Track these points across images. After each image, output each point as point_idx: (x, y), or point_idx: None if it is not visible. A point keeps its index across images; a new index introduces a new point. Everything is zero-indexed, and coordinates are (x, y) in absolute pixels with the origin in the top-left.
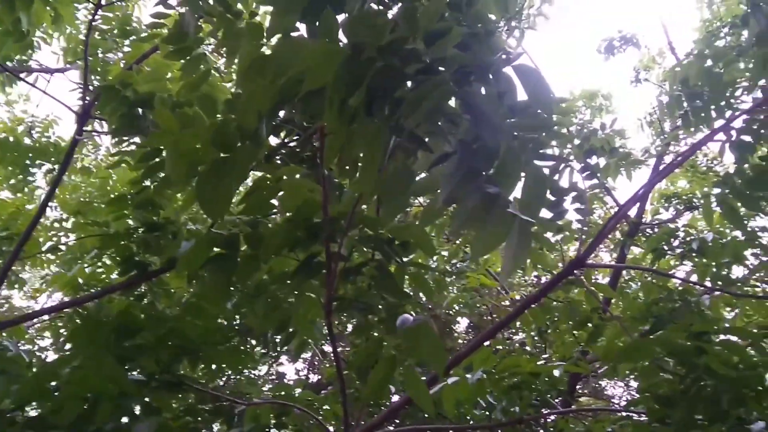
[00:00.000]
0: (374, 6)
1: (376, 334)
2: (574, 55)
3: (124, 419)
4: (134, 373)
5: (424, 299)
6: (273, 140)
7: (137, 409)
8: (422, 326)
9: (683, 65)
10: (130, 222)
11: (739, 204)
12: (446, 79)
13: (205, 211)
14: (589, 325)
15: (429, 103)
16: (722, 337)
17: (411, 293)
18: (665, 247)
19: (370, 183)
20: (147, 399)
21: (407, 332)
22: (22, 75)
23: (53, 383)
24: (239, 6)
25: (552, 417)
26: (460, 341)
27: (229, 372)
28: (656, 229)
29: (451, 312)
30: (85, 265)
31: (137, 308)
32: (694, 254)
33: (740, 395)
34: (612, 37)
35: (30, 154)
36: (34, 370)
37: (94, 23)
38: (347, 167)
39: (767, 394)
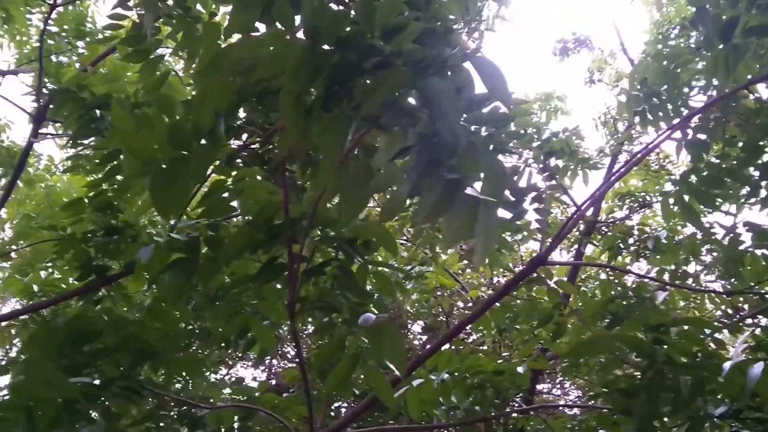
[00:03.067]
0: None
1: (335, 334)
2: (528, 57)
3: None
4: (91, 378)
5: (387, 301)
6: (236, 143)
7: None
8: (384, 325)
9: (642, 66)
10: (88, 226)
11: (694, 201)
12: (402, 71)
13: (159, 211)
14: (552, 323)
15: (384, 91)
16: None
17: (374, 293)
18: (621, 246)
19: (330, 174)
20: (106, 404)
21: (369, 331)
22: None
23: None
24: (198, 8)
25: (514, 415)
26: (416, 342)
27: (188, 377)
28: (611, 228)
29: (410, 313)
30: (41, 270)
31: (94, 312)
32: (647, 252)
33: (700, 384)
34: (566, 39)
35: None
36: None
37: (48, 23)
38: (306, 166)
39: (726, 383)
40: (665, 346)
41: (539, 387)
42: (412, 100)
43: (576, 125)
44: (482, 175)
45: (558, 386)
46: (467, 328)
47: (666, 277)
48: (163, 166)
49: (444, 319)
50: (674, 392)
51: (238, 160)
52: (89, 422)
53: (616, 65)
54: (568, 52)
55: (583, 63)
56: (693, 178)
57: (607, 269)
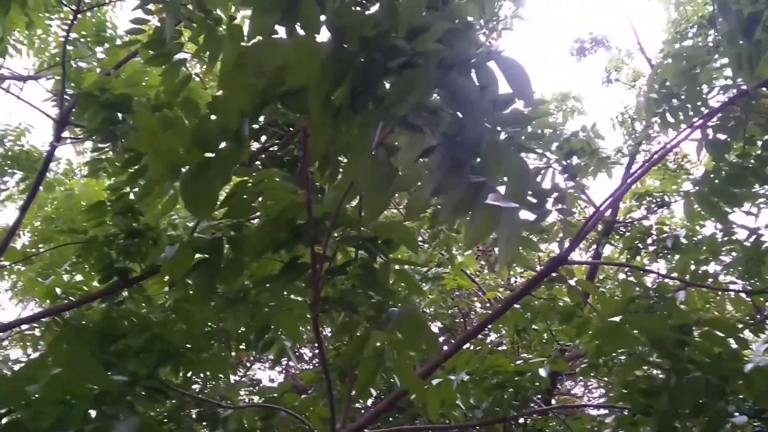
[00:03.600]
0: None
1: (359, 333)
2: (544, 58)
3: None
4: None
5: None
6: (253, 145)
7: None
8: (413, 316)
9: (660, 67)
10: (110, 229)
11: (717, 200)
12: (428, 72)
13: (191, 211)
14: (577, 318)
15: (414, 95)
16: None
17: (396, 291)
18: (639, 246)
19: (361, 172)
20: (131, 402)
21: (400, 324)
22: None
23: (30, 387)
24: (219, 11)
25: (531, 416)
26: None
27: (206, 377)
28: (629, 228)
29: (428, 314)
30: (63, 274)
31: (119, 314)
32: (667, 251)
33: (722, 387)
34: (582, 39)
35: (2, 163)
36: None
37: (71, 31)
38: (329, 168)
39: (749, 386)
40: (687, 347)
41: (561, 386)
42: (436, 99)
43: (594, 124)
44: (506, 176)
45: (581, 384)
46: (484, 328)
47: (687, 277)
48: (189, 168)
49: (461, 320)
50: (696, 393)
51: (257, 162)
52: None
53: (633, 65)
54: (585, 52)
55: (600, 63)
56: (714, 178)
57: (626, 269)
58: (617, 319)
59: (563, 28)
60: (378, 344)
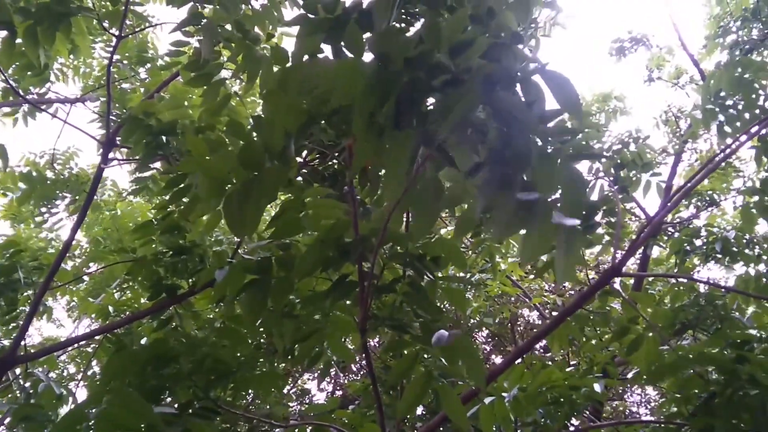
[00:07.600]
0: (397, 25)
1: (408, 351)
2: (584, 58)
3: None
4: (168, 401)
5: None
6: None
7: None
8: (460, 341)
9: (714, 76)
10: (156, 247)
11: None
12: (473, 89)
13: (233, 230)
14: (628, 336)
15: (456, 112)
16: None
17: (443, 307)
18: (688, 248)
19: (394, 191)
20: (184, 427)
21: (445, 348)
22: (42, 107)
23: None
24: (257, 30)
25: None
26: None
27: (258, 392)
28: (678, 228)
29: (474, 321)
30: (114, 292)
31: (169, 335)
32: (716, 254)
33: None
34: (622, 38)
35: (53, 187)
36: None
37: (114, 54)
38: (373, 183)
39: None
40: (748, 364)
41: (612, 390)
42: (481, 115)
43: (647, 136)
44: (559, 188)
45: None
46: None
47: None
48: (235, 187)
49: (509, 326)
50: (757, 412)
51: (299, 177)
52: None
53: (675, 62)
54: (625, 52)
55: (641, 61)
56: None
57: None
58: (676, 352)
59: (602, 28)
60: (426, 366)
